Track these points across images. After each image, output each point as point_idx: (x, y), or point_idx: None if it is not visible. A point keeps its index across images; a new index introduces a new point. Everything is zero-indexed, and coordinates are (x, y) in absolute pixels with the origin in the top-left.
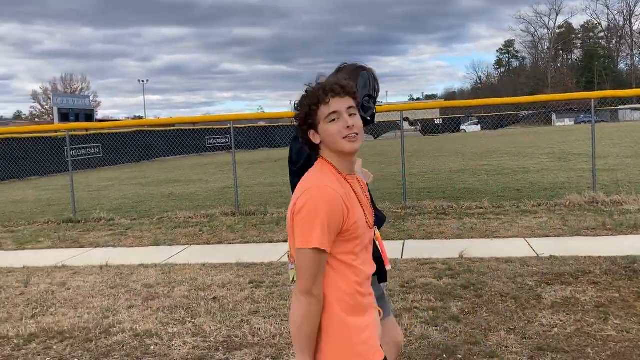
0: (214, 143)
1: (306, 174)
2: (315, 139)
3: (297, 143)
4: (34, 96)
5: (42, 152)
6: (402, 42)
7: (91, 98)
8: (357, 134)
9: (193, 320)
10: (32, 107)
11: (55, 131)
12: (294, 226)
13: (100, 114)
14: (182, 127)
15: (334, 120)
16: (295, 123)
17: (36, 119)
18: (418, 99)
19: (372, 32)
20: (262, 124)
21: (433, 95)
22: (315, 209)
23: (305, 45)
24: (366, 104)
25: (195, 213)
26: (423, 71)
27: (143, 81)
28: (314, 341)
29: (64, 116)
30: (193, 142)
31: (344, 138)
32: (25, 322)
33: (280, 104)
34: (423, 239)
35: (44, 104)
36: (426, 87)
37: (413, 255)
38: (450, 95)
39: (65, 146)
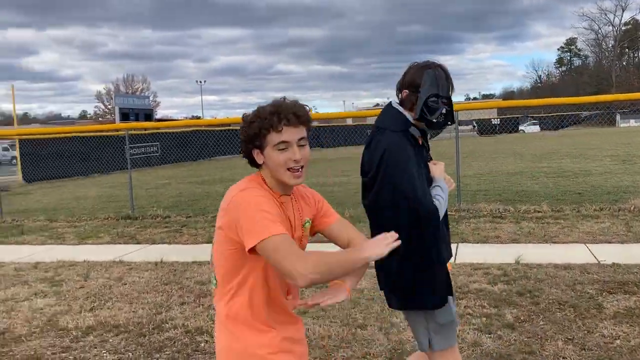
0: None
1: (234, 185)
2: (258, 158)
3: (368, 152)
4: (98, 96)
5: (104, 150)
6: (459, 41)
7: (151, 98)
8: (302, 167)
9: None
10: (96, 106)
11: (117, 130)
12: (238, 232)
13: (159, 113)
14: (237, 127)
15: (282, 149)
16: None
17: (100, 119)
18: (475, 98)
19: (428, 31)
20: (314, 124)
21: (490, 94)
22: (250, 205)
23: (359, 45)
24: (433, 105)
25: None
26: (480, 70)
27: (201, 82)
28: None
29: (125, 116)
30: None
31: (288, 169)
32: (84, 314)
33: (334, 104)
34: (477, 242)
35: (107, 103)
36: (483, 87)
37: (467, 259)
38: (508, 95)
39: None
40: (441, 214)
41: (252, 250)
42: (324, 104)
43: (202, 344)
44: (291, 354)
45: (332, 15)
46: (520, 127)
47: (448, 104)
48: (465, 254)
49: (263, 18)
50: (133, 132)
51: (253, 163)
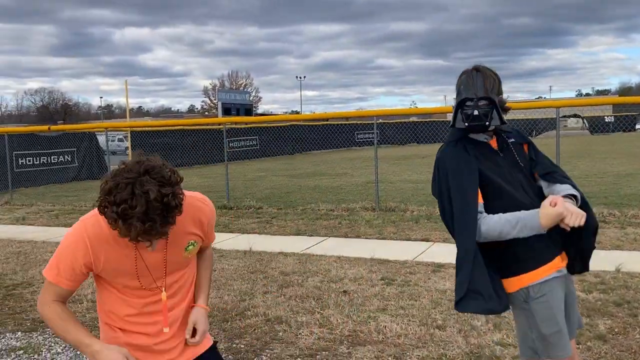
0: (363, 138)
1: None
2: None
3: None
4: (205, 92)
5: (207, 143)
6: (570, 33)
7: (253, 94)
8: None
9: (322, 312)
10: (202, 101)
11: (218, 124)
12: None
13: (260, 108)
14: (334, 122)
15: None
16: None
17: (205, 113)
18: (587, 94)
19: (537, 23)
20: (413, 119)
21: (605, 90)
22: (62, 241)
23: (463, 38)
24: (468, 110)
25: (336, 206)
26: (595, 64)
27: (300, 77)
28: None
29: (227, 110)
30: (343, 136)
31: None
32: None
33: (434, 99)
34: None
35: (212, 98)
36: (598, 82)
37: None
38: (625, 91)
39: (226, 138)
40: (491, 235)
41: None
42: (423, 99)
43: (280, 333)
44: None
45: (434, 9)
46: (638, 126)
47: (476, 106)
48: None
49: (363, 13)
50: (234, 126)
51: None
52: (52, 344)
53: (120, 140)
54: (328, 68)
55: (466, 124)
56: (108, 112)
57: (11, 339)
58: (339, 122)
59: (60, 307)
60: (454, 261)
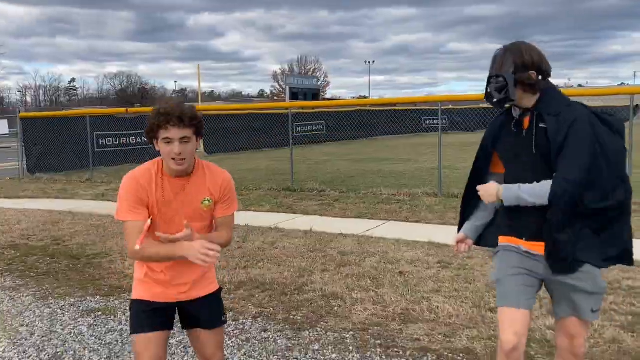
0: (431, 124)
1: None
2: (157, 147)
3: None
4: (274, 76)
5: (275, 127)
6: None
7: (322, 78)
8: (183, 159)
9: (377, 290)
10: (272, 86)
11: (285, 109)
12: None
13: (329, 93)
14: (401, 108)
15: (167, 142)
16: None
17: (274, 97)
18: None
19: (622, 4)
20: (484, 105)
21: None
22: (121, 188)
23: (541, 21)
24: (489, 89)
25: (398, 191)
26: None
27: (369, 62)
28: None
29: (294, 95)
30: (410, 122)
31: (172, 159)
32: (238, 271)
33: None
34: None
35: (281, 83)
36: None
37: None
38: None
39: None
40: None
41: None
42: None
43: (336, 308)
44: (147, 286)
45: None
46: None
47: (492, 82)
48: None
49: None
50: (301, 110)
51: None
52: (127, 308)
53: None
54: (398, 52)
55: (485, 99)
56: (182, 95)
57: (91, 302)
58: (406, 108)
59: (145, 242)
60: None
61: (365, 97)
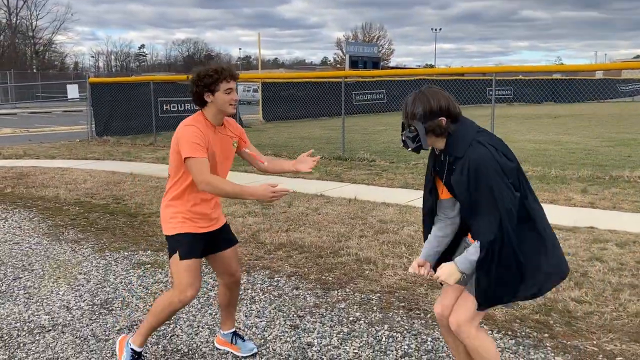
0: (497, 95)
1: (184, 120)
2: (208, 98)
3: None
4: (338, 44)
5: (332, 96)
6: None
7: (386, 46)
8: (236, 102)
9: (410, 257)
10: (335, 54)
11: (344, 77)
12: (180, 148)
13: (393, 61)
14: (467, 77)
15: (228, 92)
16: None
17: (337, 65)
18: None
19: None
20: (557, 76)
21: None
22: (187, 134)
23: None
24: (403, 137)
25: None
26: None
27: (436, 30)
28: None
29: (354, 63)
30: (474, 92)
31: (230, 105)
32: (280, 234)
33: (582, 54)
34: None
35: (344, 51)
36: None
37: None
38: None
39: (350, 91)
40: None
41: (186, 160)
42: (570, 55)
43: (367, 272)
44: (193, 222)
45: None
46: None
47: (405, 131)
48: None
49: None
50: (360, 79)
51: (201, 103)
52: None
53: (255, 91)
54: (467, 20)
55: (402, 146)
56: (246, 62)
57: (142, 255)
58: (472, 77)
59: (216, 177)
60: (555, 221)
61: (431, 66)
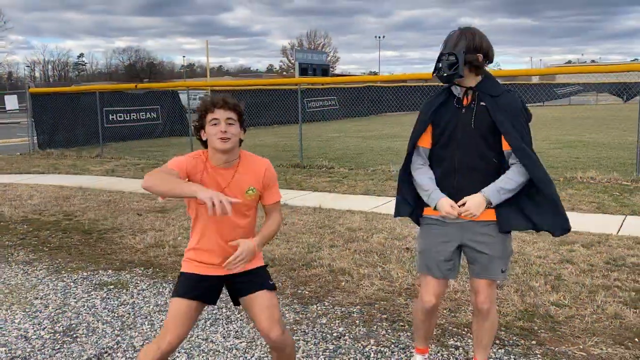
0: None
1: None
2: (203, 136)
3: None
4: (283, 51)
5: (284, 103)
6: None
7: (331, 54)
8: (228, 138)
9: (384, 266)
10: (281, 61)
11: (295, 84)
12: None
13: (338, 69)
14: (411, 84)
15: (214, 124)
16: None
17: (284, 73)
18: None
19: None
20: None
21: None
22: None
23: None
24: (440, 64)
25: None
26: None
27: (380, 37)
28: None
29: (304, 70)
30: (420, 99)
31: (219, 139)
32: None
33: (520, 60)
34: None
35: (290, 58)
36: None
37: (631, 232)
38: None
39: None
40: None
41: None
42: (508, 60)
43: (343, 283)
44: (196, 261)
45: None
46: None
47: (444, 59)
48: (631, 226)
49: None
50: (311, 86)
51: (202, 143)
52: (138, 282)
53: (201, 99)
54: (408, 28)
55: (434, 74)
56: (190, 71)
57: (103, 275)
58: (416, 84)
59: (165, 173)
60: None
61: (375, 73)
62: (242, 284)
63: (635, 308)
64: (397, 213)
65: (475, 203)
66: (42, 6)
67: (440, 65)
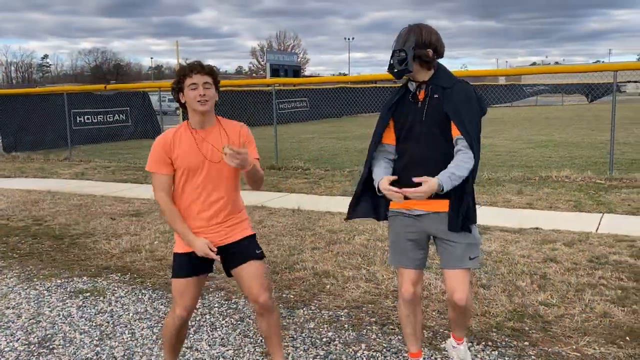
0: None
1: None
2: (182, 99)
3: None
4: (252, 53)
5: (257, 104)
6: None
7: (301, 55)
8: (206, 101)
9: (368, 268)
10: (250, 62)
11: (267, 85)
12: None
13: (308, 70)
14: (382, 85)
15: (192, 88)
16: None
17: (253, 74)
18: None
19: None
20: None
21: None
22: (153, 146)
23: None
24: (391, 61)
25: None
26: None
27: (349, 39)
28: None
29: (275, 72)
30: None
31: (197, 101)
32: None
33: (485, 62)
34: (626, 214)
35: (260, 60)
36: None
37: (610, 230)
38: None
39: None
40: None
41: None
42: (474, 62)
43: (328, 286)
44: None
45: None
46: None
47: (395, 55)
48: (610, 224)
49: None
50: (283, 87)
51: (181, 105)
52: (115, 288)
53: (170, 100)
54: (377, 29)
55: (387, 71)
56: (158, 72)
57: (78, 282)
58: (388, 85)
59: (168, 200)
60: (500, 223)
61: (344, 74)
62: (234, 255)
63: (623, 306)
64: (355, 214)
65: (428, 186)
66: (4, 6)
67: (392, 61)
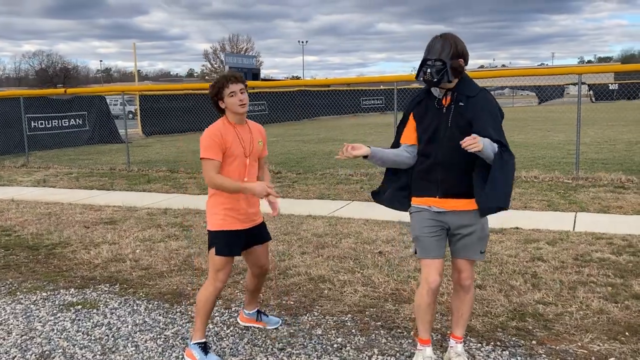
0: (369, 104)
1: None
2: (222, 105)
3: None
4: (205, 55)
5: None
6: None
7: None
8: (245, 104)
9: (362, 271)
10: (203, 65)
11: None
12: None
13: (262, 73)
14: (338, 88)
15: (232, 96)
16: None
17: (206, 77)
18: (589, 61)
19: None
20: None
21: (607, 57)
22: (204, 136)
23: (466, 3)
24: (425, 68)
25: (355, 171)
26: (598, 31)
27: (302, 42)
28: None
29: None
30: (349, 102)
31: (239, 105)
32: None
33: None
34: (598, 212)
35: (213, 62)
36: (599, 49)
37: (587, 228)
38: (628, 58)
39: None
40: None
41: (201, 159)
42: None
43: (326, 291)
44: (233, 218)
45: None
46: None
47: (430, 65)
48: (585, 223)
49: None
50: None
51: (219, 110)
52: (108, 300)
53: (122, 104)
54: (328, 32)
55: (421, 79)
56: (107, 75)
57: (66, 295)
58: (345, 88)
59: (222, 175)
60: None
61: (298, 78)
62: (254, 236)
63: (616, 302)
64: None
65: (480, 141)
66: None
67: (429, 70)
